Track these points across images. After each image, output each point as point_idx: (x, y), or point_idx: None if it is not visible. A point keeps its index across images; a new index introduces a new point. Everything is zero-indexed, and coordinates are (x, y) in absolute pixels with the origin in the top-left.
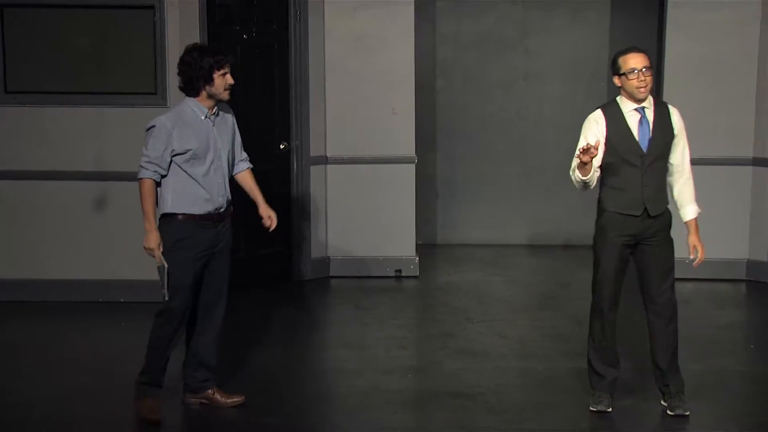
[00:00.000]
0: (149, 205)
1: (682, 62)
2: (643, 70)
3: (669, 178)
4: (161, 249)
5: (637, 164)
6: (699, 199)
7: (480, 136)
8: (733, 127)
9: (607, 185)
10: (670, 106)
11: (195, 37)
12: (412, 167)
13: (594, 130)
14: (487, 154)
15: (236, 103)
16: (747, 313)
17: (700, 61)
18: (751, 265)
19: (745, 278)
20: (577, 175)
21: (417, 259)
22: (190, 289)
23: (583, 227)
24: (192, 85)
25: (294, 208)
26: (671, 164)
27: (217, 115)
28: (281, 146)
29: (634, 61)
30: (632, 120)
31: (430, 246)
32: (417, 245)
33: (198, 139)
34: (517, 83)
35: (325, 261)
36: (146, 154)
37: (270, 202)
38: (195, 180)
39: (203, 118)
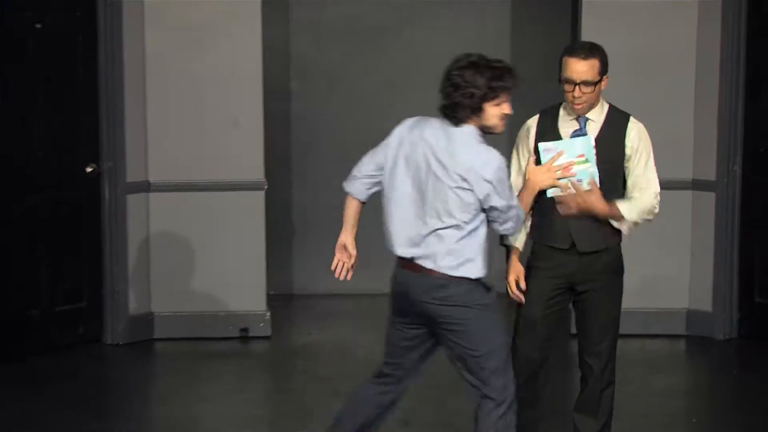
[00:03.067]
0: None
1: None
2: (581, 85)
3: None
4: None
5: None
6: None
7: (348, 154)
8: (667, 140)
9: (536, 211)
10: (631, 121)
11: None
12: (260, 195)
13: (524, 142)
14: None
15: (23, 111)
16: (687, 377)
17: (624, 59)
18: (692, 316)
19: (684, 333)
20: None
21: (268, 314)
22: None
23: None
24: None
25: (105, 249)
26: (629, 190)
27: None
28: (87, 169)
29: (574, 71)
30: (566, 131)
31: (284, 297)
32: (268, 296)
33: None
34: (395, 85)
35: (148, 319)
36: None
37: (72, 241)
38: None
39: None
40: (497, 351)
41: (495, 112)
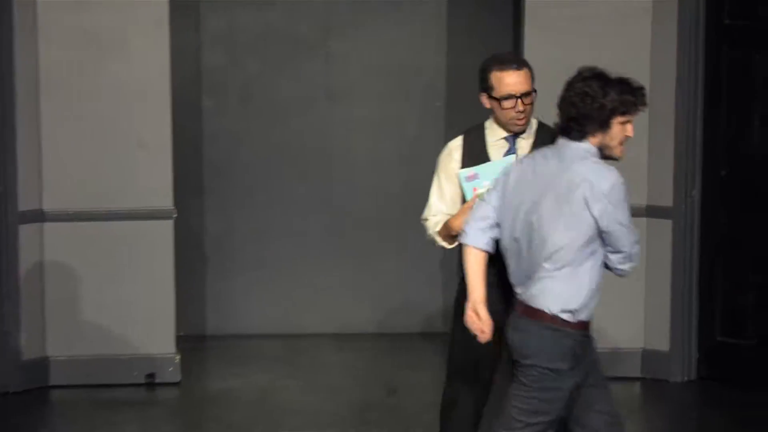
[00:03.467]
0: None
1: (546, 73)
2: (523, 97)
3: None
4: None
5: None
6: None
7: (269, 176)
8: (618, 162)
9: None
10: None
11: None
12: (169, 224)
13: (447, 167)
14: (277, 203)
15: None
16: (643, 424)
17: (571, 73)
18: (648, 357)
19: (639, 375)
20: (438, 241)
21: (178, 357)
22: None
23: (418, 306)
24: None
25: None
26: None
27: None
28: None
29: (513, 84)
30: (496, 153)
31: (196, 338)
32: (178, 338)
33: None
34: (319, 100)
35: (42, 364)
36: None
37: None
38: None
39: None
40: None
41: (619, 131)
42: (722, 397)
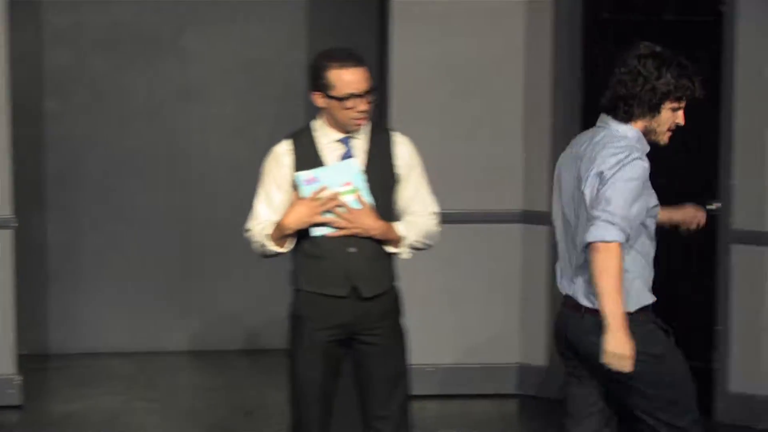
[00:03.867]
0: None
1: (416, 70)
2: (366, 95)
3: None
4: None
5: None
6: (440, 274)
7: (120, 183)
8: (492, 164)
9: (300, 252)
10: (396, 135)
11: None
12: (7, 234)
13: (275, 173)
14: (128, 211)
15: None
16: None
17: (441, 70)
18: (525, 372)
19: (515, 392)
20: (269, 246)
21: (19, 378)
22: None
23: (281, 320)
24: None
25: None
26: (402, 213)
27: None
28: None
29: (355, 82)
30: (331, 156)
31: (39, 358)
32: (19, 357)
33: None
34: (174, 99)
35: None
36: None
37: None
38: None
39: None
40: None
41: (669, 117)
42: None
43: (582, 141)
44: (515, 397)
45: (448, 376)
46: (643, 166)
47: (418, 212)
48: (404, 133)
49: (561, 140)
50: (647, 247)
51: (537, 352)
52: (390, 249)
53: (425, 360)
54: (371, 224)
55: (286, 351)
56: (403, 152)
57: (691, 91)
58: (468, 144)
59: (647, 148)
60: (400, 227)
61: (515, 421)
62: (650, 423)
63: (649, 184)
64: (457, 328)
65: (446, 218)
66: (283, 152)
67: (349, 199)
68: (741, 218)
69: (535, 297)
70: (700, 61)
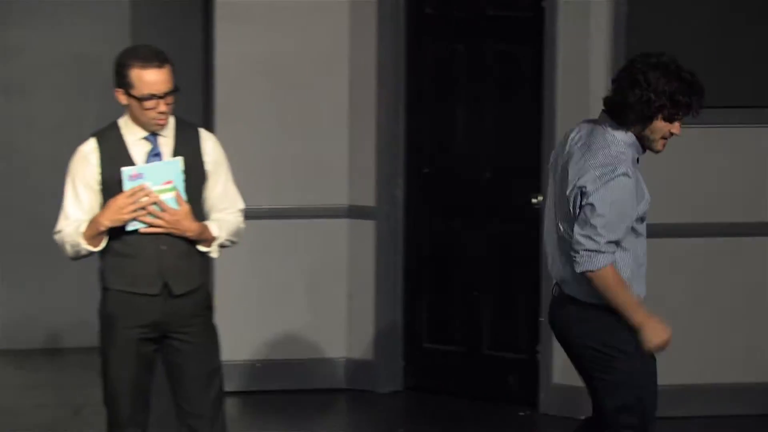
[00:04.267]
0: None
1: (240, 69)
2: (166, 97)
3: None
4: None
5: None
6: (267, 269)
7: None
8: (317, 160)
9: (110, 251)
10: (202, 132)
11: None
12: None
13: (83, 173)
14: None
15: None
16: None
17: (265, 68)
18: (352, 366)
19: (344, 387)
20: (83, 245)
21: None
22: None
23: (86, 318)
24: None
25: None
26: (209, 210)
27: None
28: None
29: (155, 83)
30: (138, 153)
31: None
32: None
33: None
34: None
35: None
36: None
37: None
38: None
39: None
40: None
41: (662, 127)
42: (429, 407)
43: (581, 132)
44: (343, 391)
45: (274, 373)
46: (626, 183)
47: (227, 209)
48: (228, 133)
49: (385, 137)
50: (633, 244)
51: (364, 347)
52: (202, 248)
53: (252, 356)
54: (188, 225)
55: (98, 349)
56: (211, 149)
57: (687, 109)
58: (293, 141)
59: (640, 153)
60: (213, 227)
61: (343, 415)
62: (610, 422)
63: (639, 187)
64: (285, 323)
65: (273, 214)
66: (90, 151)
67: (167, 198)
68: None
69: (362, 291)
70: (521, 56)
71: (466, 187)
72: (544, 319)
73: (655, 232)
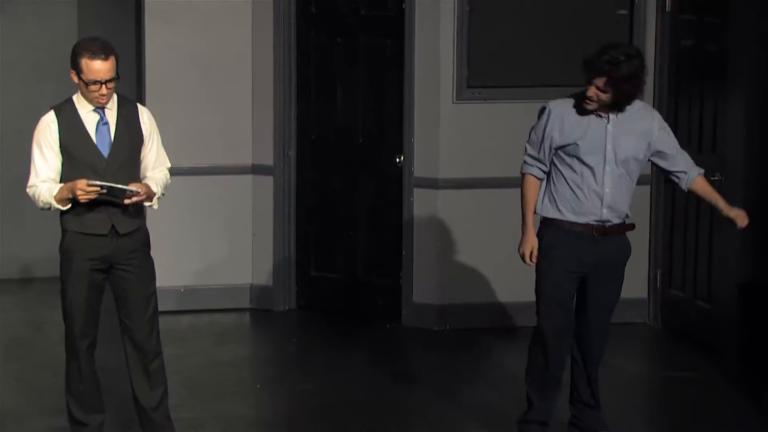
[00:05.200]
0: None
1: (166, 57)
2: (107, 83)
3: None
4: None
5: (99, 172)
6: (189, 215)
7: None
8: (228, 129)
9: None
10: (139, 106)
11: None
12: None
13: (47, 138)
14: None
15: None
16: (251, 347)
17: (187, 59)
18: (255, 291)
19: (249, 306)
20: (54, 205)
21: None
22: (561, 307)
23: (48, 254)
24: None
25: None
26: (145, 169)
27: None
28: None
29: (99, 72)
30: (89, 121)
31: None
32: None
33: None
34: None
35: None
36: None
37: None
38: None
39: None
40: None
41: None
42: (316, 322)
43: None
44: (248, 311)
45: (198, 296)
46: (542, 115)
47: (158, 168)
48: (157, 107)
49: (281, 110)
50: (568, 172)
51: (265, 275)
52: (147, 204)
53: (177, 282)
54: (151, 192)
55: (59, 278)
56: (147, 119)
57: (587, 79)
58: (208, 114)
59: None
60: (153, 186)
61: (249, 330)
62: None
63: (568, 126)
64: (203, 257)
65: (193, 171)
66: (51, 120)
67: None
68: (420, 168)
69: (264, 231)
70: (386, 47)
71: (343, 150)
72: (405, 252)
73: None
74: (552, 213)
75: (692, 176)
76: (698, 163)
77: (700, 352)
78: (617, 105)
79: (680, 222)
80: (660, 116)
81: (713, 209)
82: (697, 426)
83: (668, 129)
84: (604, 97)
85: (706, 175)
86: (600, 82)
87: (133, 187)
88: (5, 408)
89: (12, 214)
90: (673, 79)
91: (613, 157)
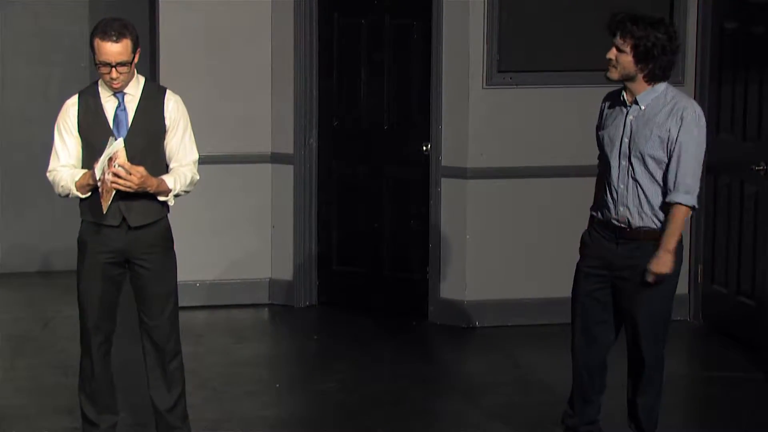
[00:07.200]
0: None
1: (181, 38)
2: (117, 66)
3: None
4: None
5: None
6: (208, 206)
7: None
8: (246, 116)
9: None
10: (168, 93)
11: None
12: None
13: (66, 122)
14: None
15: None
16: (270, 345)
17: (201, 39)
18: (275, 286)
19: (268, 302)
20: (73, 192)
21: None
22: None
23: (66, 247)
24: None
25: None
26: (168, 159)
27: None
28: None
29: (109, 54)
30: (109, 107)
31: None
32: None
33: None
34: None
35: None
36: None
37: None
38: None
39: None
40: None
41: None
42: (338, 318)
43: None
44: (267, 306)
45: (216, 290)
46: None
47: (181, 161)
48: (172, 90)
49: (301, 96)
50: (601, 168)
51: (285, 269)
52: (161, 198)
53: (193, 277)
54: (150, 183)
55: (76, 271)
56: (172, 107)
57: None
58: (226, 100)
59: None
60: (170, 181)
61: (268, 326)
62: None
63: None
64: (220, 250)
65: (211, 160)
66: (71, 104)
67: (122, 168)
68: (448, 157)
69: (283, 223)
70: (413, 29)
71: (367, 137)
72: (432, 245)
73: None
74: (592, 209)
75: (669, 198)
76: (741, 152)
77: (742, 349)
78: (643, 76)
79: (722, 215)
80: (693, 116)
81: (757, 198)
82: (740, 428)
83: (690, 141)
84: (623, 60)
85: (749, 165)
86: (619, 40)
87: (129, 168)
88: (14, 407)
89: (30, 207)
90: (716, 64)
91: (628, 151)
